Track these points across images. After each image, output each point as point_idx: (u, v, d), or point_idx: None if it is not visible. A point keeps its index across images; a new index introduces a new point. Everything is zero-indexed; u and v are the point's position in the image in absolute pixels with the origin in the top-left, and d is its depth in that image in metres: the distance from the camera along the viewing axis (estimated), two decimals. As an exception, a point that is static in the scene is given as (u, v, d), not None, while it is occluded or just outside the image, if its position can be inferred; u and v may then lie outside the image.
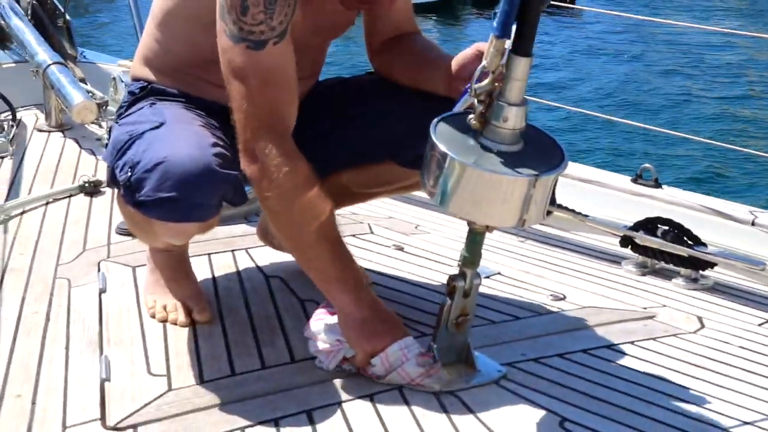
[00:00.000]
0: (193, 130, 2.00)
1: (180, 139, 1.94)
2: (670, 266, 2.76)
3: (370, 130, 2.24)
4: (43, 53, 3.78)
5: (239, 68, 1.86)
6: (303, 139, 1.95)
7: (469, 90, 1.83)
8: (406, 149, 2.17)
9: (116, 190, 2.09)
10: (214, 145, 1.94)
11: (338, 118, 2.26)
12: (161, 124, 2.00)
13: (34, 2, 4.27)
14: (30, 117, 4.14)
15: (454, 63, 2.08)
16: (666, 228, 2.76)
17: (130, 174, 1.92)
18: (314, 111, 2.19)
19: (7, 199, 3.15)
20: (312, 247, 1.95)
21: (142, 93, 2.17)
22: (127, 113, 2.14)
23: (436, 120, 1.85)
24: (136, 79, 2.23)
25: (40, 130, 3.98)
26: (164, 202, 1.87)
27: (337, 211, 2.75)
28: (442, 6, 22.35)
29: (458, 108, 1.88)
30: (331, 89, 2.32)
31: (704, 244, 2.75)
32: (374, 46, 2.29)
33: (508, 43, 1.76)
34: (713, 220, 3.05)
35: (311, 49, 2.17)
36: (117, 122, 2.14)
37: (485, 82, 1.78)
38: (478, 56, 2.01)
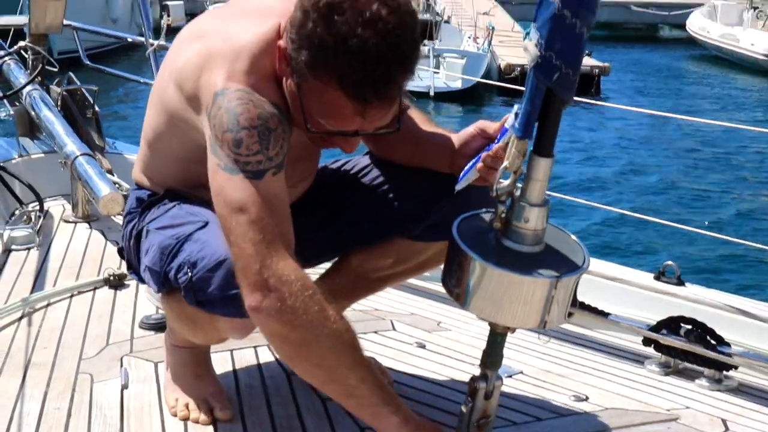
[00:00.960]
0: None
1: None
2: (694, 366, 2.73)
3: (376, 209, 2.23)
4: (71, 144, 3.83)
5: (239, 200, 1.79)
6: (308, 228, 1.93)
7: (471, 168, 1.86)
8: (415, 222, 2.18)
9: (161, 292, 2.08)
10: None
11: (342, 202, 2.25)
12: (206, 223, 1.98)
13: (64, 93, 4.36)
14: (57, 207, 4.18)
15: (457, 140, 2.09)
16: (689, 327, 2.73)
17: (190, 275, 1.91)
18: (317, 199, 2.21)
19: (32, 291, 3.17)
20: (353, 372, 1.83)
21: (153, 199, 2.16)
22: (152, 218, 2.12)
23: (457, 220, 1.87)
24: (139, 185, 2.22)
25: (67, 221, 4.02)
26: (233, 300, 1.85)
27: (360, 307, 2.79)
28: (466, 94, 22.47)
29: (461, 185, 1.91)
30: (329, 176, 2.31)
31: (728, 344, 2.72)
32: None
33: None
34: (737, 319, 3.03)
35: (304, 158, 2.15)
36: (147, 228, 2.11)
37: (507, 182, 1.80)
38: (480, 134, 2.03)
